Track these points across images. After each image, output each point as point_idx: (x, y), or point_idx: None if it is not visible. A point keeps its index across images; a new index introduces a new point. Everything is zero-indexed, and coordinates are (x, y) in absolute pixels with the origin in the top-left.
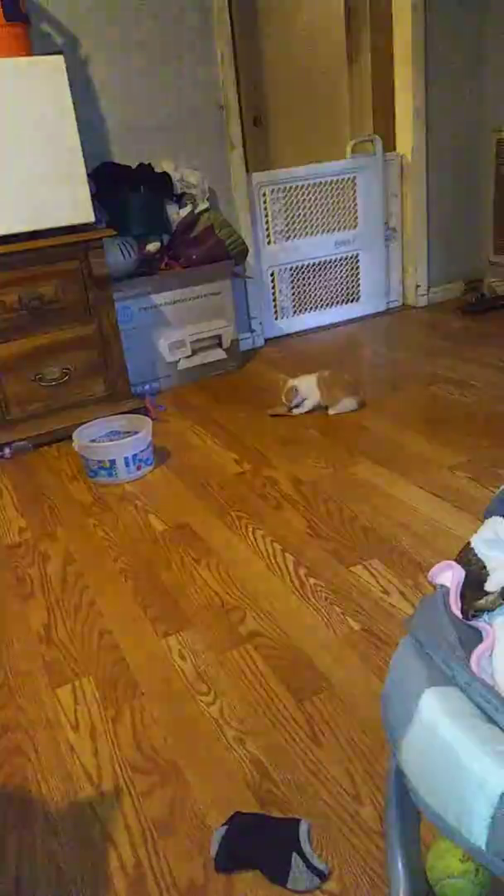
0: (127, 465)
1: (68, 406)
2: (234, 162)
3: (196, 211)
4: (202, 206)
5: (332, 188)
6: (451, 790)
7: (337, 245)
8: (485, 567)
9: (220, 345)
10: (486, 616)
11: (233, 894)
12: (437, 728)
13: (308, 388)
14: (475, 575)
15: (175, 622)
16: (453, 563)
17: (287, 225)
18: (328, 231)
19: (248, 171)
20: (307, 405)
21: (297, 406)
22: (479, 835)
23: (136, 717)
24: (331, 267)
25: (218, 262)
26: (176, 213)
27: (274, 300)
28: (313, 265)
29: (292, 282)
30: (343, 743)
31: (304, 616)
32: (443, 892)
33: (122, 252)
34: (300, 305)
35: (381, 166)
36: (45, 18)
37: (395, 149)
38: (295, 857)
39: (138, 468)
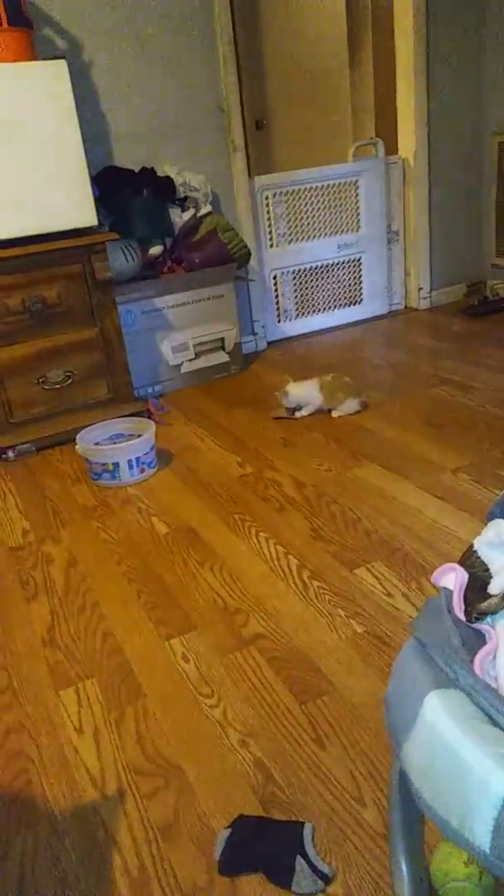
0: (130, 467)
1: (71, 409)
2: (236, 165)
3: (199, 214)
4: (205, 209)
5: (335, 191)
6: (454, 793)
7: (339, 248)
8: (488, 569)
9: (222, 348)
10: (489, 619)
11: None
12: (440, 731)
13: (309, 393)
14: (478, 577)
15: (178, 625)
16: (456, 565)
17: (289, 228)
18: (330, 234)
19: (250, 174)
20: (309, 409)
21: (296, 409)
22: (482, 838)
23: (139, 720)
24: (333, 270)
25: (221, 266)
26: (179, 217)
27: (276, 303)
28: (316, 268)
29: (295, 285)
30: (346, 745)
31: (307, 618)
32: None
33: (125, 255)
34: (303, 308)
35: (383, 169)
36: (48, 23)
37: (397, 152)
38: (299, 860)
39: (141, 471)
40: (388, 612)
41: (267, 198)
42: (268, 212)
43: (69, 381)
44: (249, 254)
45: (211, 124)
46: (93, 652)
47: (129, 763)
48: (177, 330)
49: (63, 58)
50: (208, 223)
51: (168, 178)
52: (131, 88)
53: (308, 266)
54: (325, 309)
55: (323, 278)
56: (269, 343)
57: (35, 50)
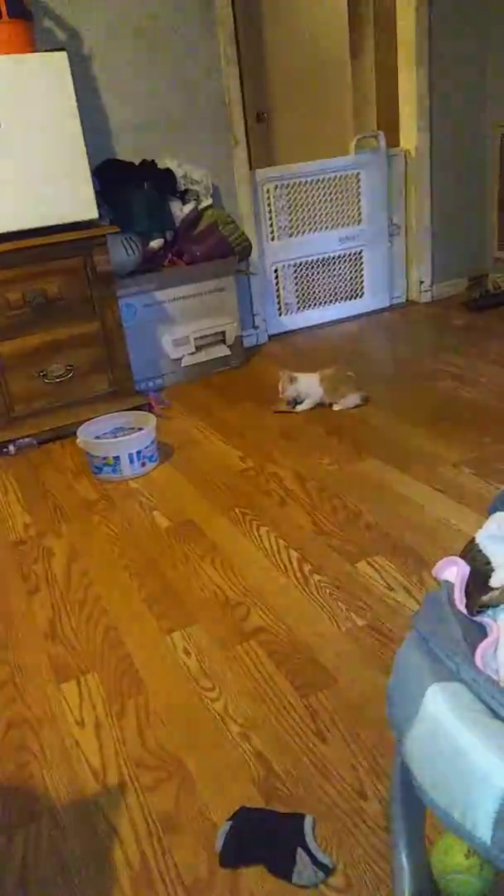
0: (131, 461)
1: (72, 403)
2: (237, 158)
3: (199, 207)
4: (205, 202)
5: (336, 184)
6: (455, 785)
7: (341, 241)
8: (489, 563)
9: (223, 341)
10: (490, 612)
11: (238, 889)
12: (441, 723)
13: (310, 387)
14: (480, 571)
15: (179, 618)
16: (458, 559)
17: (291, 221)
18: (332, 227)
19: (251, 167)
20: (310, 402)
21: (298, 402)
22: (483, 830)
23: (140, 713)
24: (334, 263)
25: (221, 259)
26: (179, 210)
27: (278, 296)
28: (317, 261)
29: (296, 278)
30: (348, 738)
31: (308, 612)
32: (447, 888)
33: (125, 249)
34: (304, 302)
35: (384, 162)
36: (48, 15)
37: (398, 144)
38: (300, 852)
39: (142, 465)
40: (390, 606)
41: (268, 191)
42: (269, 205)
43: (70, 374)
44: (250, 247)
45: (212, 117)
46: (94, 645)
47: (130, 756)
48: (177, 323)
49: (63, 50)
50: (209, 216)
51: (169, 170)
52: (132, 80)
53: (309, 259)
54: (326, 302)
55: (324, 271)
56: (271, 336)
57: (35, 42)
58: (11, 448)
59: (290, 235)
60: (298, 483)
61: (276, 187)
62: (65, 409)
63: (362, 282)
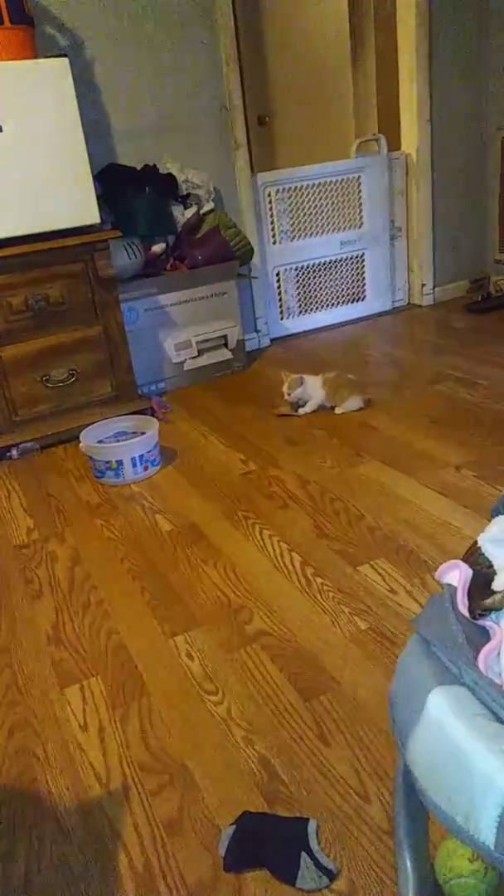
0: (134, 465)
1: (75, 407)
2: (238, 162)
3: (201, 212)
4: (207, 206)
5: (337, 187)
6: (459, 789)
7: (342, 244)
8: (492, 566)
9: (225, 345)
10: (493, 615)
11: (242, 894)
12: (444, 727)
13: (313, 389)
14: (482, 574)
15: (182, 622)
16: (460, 562)
17: (292, 225)
18: (333, 230)
19: (252, 171)
20: (311, 405)
21: (300, 405)
22: (487, 834)
23: (144, 717)
24: (336, 266)
25: (223, 263)
26: (181, 214)
27: (279, 300)
28: (319, 265)
29: (298, 282)
30: (351, 742)
31: (311, 615)
32: (451, 892)
33: (127, 253)
34: (306, 305)
35: (385, 165)
36: (50, 21)
37: (399, 147)
38: (303, 857)
39: (145, 469)
40: (392, 609)
41: (269, 194)
42: (270, 208)
43: (72, 379)
44: (252, 251)
45: (213, 121)
46: (97, 649)
47: (133, 760)
48: (180, 327)
49: (65, 56)
50: (211, 220)
51: (170, 175)
52: (133, 85)
53: (311, 263)
54: (328, 306)
55: (326, 275)
56: (272, 340)
57: (37, 48)
58: (14, 452)
59: (292, 239)
60: (300, 486)
61: (278, 191)
62: (67, 413)
63: (364, 285)
